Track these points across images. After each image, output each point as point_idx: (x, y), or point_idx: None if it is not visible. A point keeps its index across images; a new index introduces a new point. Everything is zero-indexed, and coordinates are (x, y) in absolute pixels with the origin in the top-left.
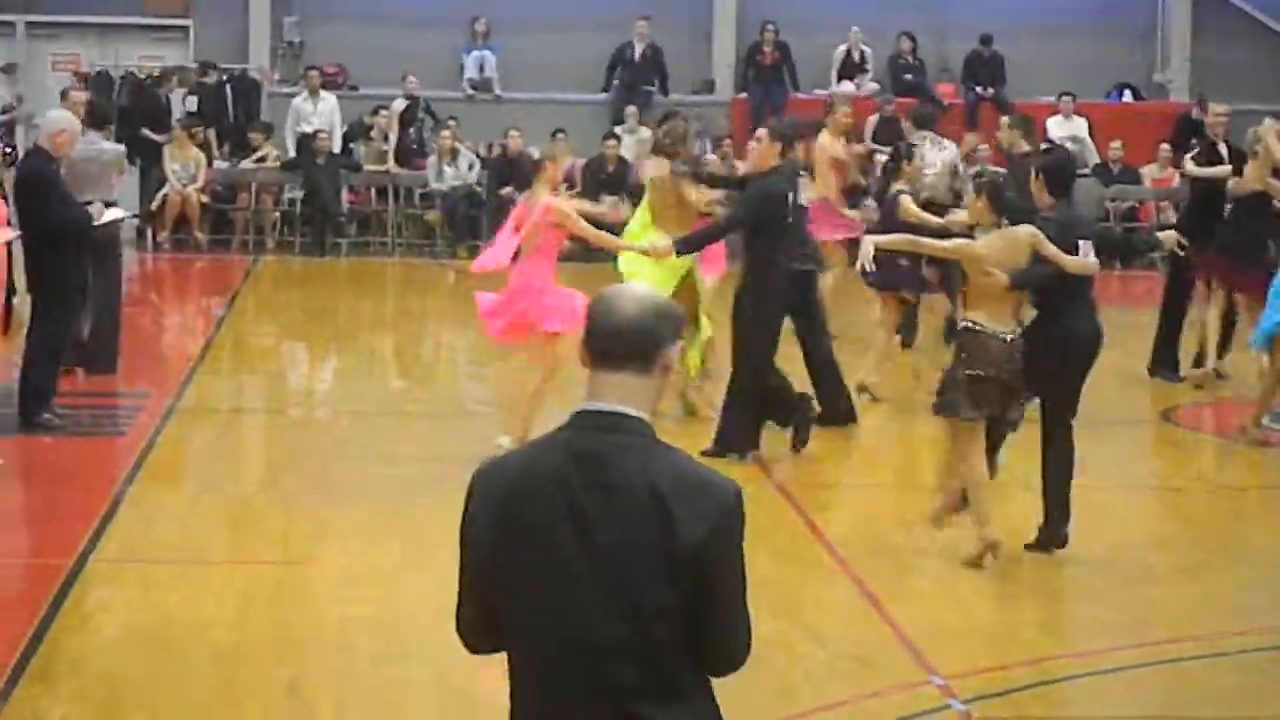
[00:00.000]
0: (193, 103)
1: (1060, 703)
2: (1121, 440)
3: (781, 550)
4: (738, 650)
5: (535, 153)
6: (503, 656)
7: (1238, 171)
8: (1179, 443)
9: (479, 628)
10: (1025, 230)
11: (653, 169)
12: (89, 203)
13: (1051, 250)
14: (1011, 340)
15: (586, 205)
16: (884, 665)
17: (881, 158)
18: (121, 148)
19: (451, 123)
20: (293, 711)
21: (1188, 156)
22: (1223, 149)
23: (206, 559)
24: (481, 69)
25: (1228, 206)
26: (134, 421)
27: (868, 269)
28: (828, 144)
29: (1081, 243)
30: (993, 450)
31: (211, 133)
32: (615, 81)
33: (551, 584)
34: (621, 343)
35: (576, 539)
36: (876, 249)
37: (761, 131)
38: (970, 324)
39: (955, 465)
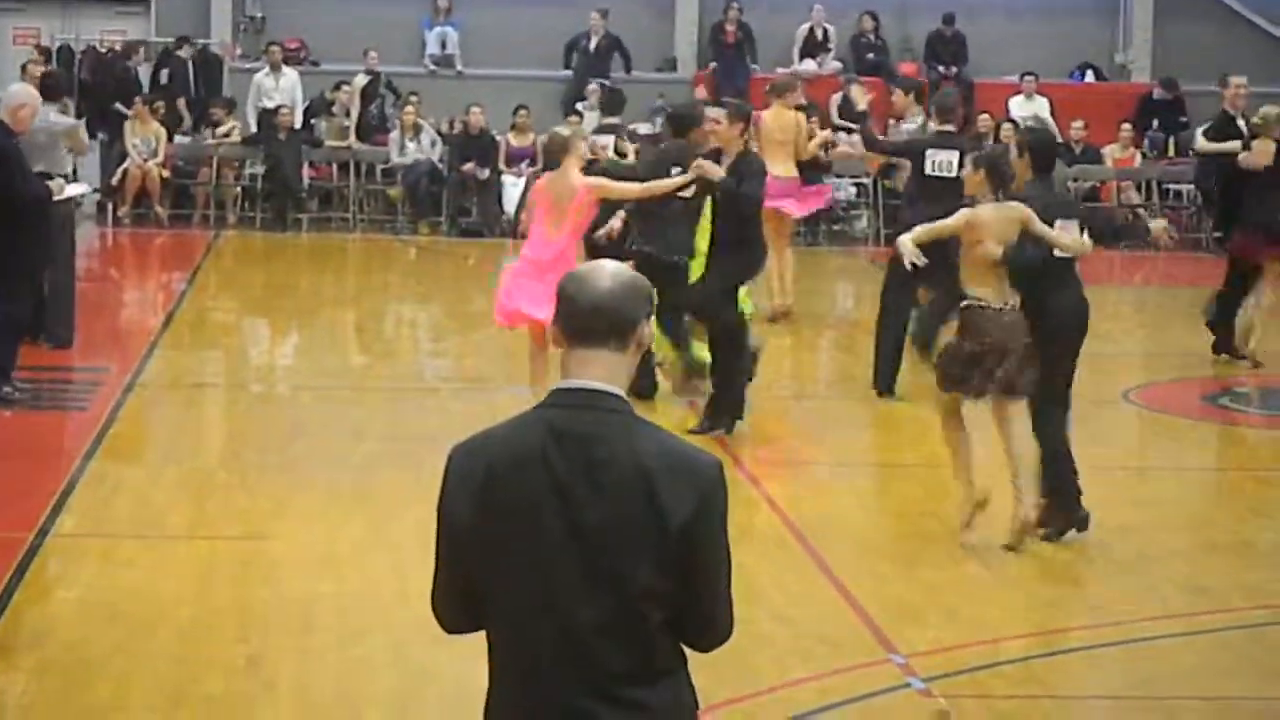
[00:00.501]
0: (164, 76)
1: (1023, 681)
2: (1085, 421)
3: (743, 529)
4: (722, 626)
5: (495, 131)
6: (465, 635)
7: (1247, 146)
8: (1143, 423)
9: (456, 607)
10: (1018, 207)
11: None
12: (48, 176)
13: (1042, 228)
14: (1013, 311)
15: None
16: (846, 644)
17: (846, 135)
18: (74, 120)
19: (413, 98)
20: (254, 686)
21: (1199, 131)
22: (1241, 124)
23: (167, 534)
24: (443, 45)
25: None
26: (94, 396)
27: (918, 265)
28: (770, 120)
29: (1064, 221)
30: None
31: (182, 104)
32: (571, 68)
33: (537, 564)
34: (598, 320)
35: (562, 518)
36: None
37: (718, 112)
38: (972, 301)
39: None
